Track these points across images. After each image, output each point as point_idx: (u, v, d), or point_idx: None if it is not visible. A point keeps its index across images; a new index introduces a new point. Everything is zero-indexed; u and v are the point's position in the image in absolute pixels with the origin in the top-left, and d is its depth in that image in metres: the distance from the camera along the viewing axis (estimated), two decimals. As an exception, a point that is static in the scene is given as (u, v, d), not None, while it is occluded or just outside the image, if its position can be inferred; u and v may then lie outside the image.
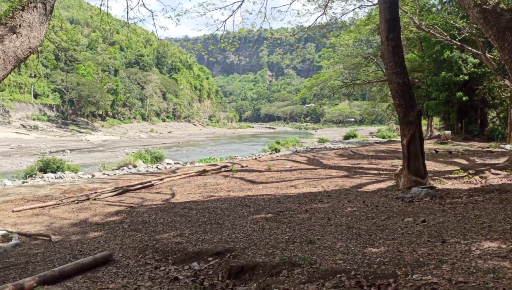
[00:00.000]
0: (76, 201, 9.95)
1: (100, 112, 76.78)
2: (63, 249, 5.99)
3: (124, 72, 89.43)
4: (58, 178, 16.96)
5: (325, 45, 46.27)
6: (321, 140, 42.37)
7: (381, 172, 13.13)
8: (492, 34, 10.61)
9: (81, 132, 64.16)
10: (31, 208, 9.22)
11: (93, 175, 17.34)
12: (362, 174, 12.81)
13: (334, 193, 9.28)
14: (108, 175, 17.23)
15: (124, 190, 11.21)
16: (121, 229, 7.06)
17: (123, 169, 19.59)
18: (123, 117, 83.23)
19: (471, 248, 4.43)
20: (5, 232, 7.11)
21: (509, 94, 23.43)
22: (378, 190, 9.52)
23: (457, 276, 3.58)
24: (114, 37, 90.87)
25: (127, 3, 11.52)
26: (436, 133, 36.66)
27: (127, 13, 11.73)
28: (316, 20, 20.64)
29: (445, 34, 22.69)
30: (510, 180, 9.49)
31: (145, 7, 10.83)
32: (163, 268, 4.98)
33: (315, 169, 14.60)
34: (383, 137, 46.04)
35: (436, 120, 40.06)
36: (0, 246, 6.32)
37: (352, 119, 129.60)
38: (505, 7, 10.87)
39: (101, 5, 10.85)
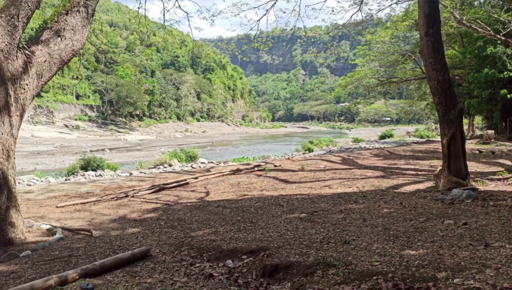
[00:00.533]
0: (115, 198, 10.30)
1: (138, 112, 79.15)
2: (103, 244, 6.21)
3: (160, 73, 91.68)
4: (98, 176, 17.63)
5: (360, 42, 45.37)
6: (356, 140, 41.61)
7: (419, 172, 12.71)
8: (541, 27, 10.03)
9: (119, 132, 66.40)
10: (73, 204, 9.65)
11: (130, 173, 17.89)
12: (399, 174, 12.47)
13: (370, 194, 9.08)
14: (144, 173, 17.73)
15: (161, 188, 11.49)
16: (157, 226, 7.24)
17: (159, 168, 20.08)
18: (159, 117, 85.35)
19: (518, 253, 4.21)
20: (50, 226, 7.47)
21: (559, 91, 22.02)
22: (416, 191, 9.23)
23: (502, 281, 3.41)
24: (151, 39, 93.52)
25: (163, 5, 11.79)
26: (478, 132, 35.07)
27: (164, 15, 11.99)
28: (351, 17, 20.29)
29: (488, 28, 21.63)
30: (561, 182, 8.93)
31: (180, 8, 11.07)
32: (198, 264, 5.06)
33: (350, 169, 14.35)
34: (421, 137, 44.57)
35: (478, 119, 38.34)
36: (46, 240, 6.65)
37: (388, 118, 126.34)
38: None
39: (138, 8, 11.18)
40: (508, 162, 14.26)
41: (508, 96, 25.62)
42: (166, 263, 5.15)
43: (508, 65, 25.08)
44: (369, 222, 6.34)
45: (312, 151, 29.06)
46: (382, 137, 46.75)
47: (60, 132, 59.07)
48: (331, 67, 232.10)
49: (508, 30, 19.26)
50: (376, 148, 26.36)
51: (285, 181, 12.05)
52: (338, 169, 14.46)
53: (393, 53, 32.17)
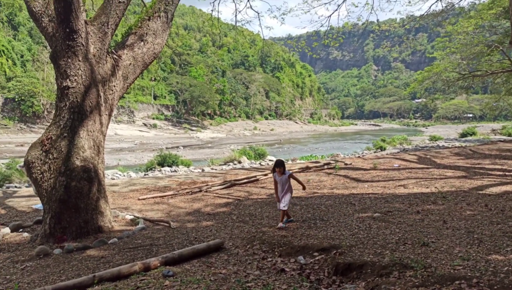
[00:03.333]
0: (190, 193, 10.83)
1: (209, 111, 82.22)
2: (180, 235, 6.58)
3: (231, 72, 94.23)
4: (173, 171, 18.63)
5: (440, 34, 42.46)
6: (433, 138, 39.07)
7: (507, 173, 11.62)
8: None
9: (192, 130, 69.55)
10: (153, 197, 10.32)
11: (203, 170, 18.65)
12: (483, 175, 11.51)
13: (450, 195, 8.51)
14: (216, 169, 18.37)
15: (232, 184, 11.84)
16: (230, 220, 7.48)
17: (229, 165, 20.67)
18: (229, 116, 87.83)
19: None
20: (133, 217, 8.08)
21: None
22: (504, 193, 8.45)
23: None
24: (223, 40, 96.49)
25: (235, 6, 12.13)
26: None
27: (235, 16, 12.35)
28: (430, 7, 19.10)
29: None
30: None
31: (252, 9, 11.30)
32: (270, 259, 5.15)
33: (427, 168, 13.56)
34: (509, 135, 40.52)
35: None
36: (130, 229, 7.21)
37: (470, 115, 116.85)
38: None
39: (212, 10, 11.64)
40: None
41: None
42: (239, 256, 5.31)
43: None
44: (450, 224, 5.95)
45: (385, 149, 27.88)
46: (463, 135, 43.31)
47: (139, 130, 63.47)
48: (406, 62, 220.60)
49: None
50: (456, 147, 24.55)
51: (356, 180, 11.73)
52: (413, 168, 13.73)
53: (477, 44, 29.63)
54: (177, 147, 41.79)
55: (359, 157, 20.98)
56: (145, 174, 17.66)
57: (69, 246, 6.04)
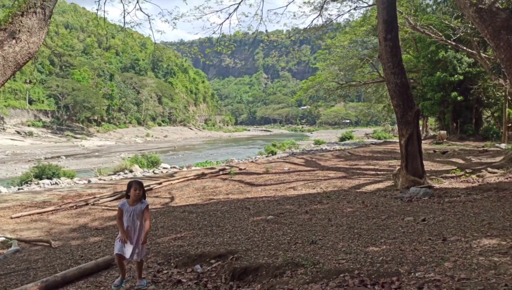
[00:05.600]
0: (74, 207, 9.91)
1: (96, 117, 76.56)
2: (64, 255, 5.96)
3: (120, 76, 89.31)
4: (54, 184, 16.87)
5: (321, 46, 46.47)
6: (317, 142, 42.42)
7: (378, 172, 13.18)
8: (488, 33, 10.72)
9: (76, 138, 63.90)
10: (29, 214, 9.18)
11: (89, 181, 17.27)
12: (360, 175, 12.86)
13: (333, 194, 9.31)
14: (104, 180, 17.17)
15: (122, 195, 11.17)
16: (121, 234, 7.04)
17: (119, 174, 19.52)
18: (118, 122, 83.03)
19: (472, 245, 4.47)
20: (4, 238, 7.07)
21: (503, 93, 23.63)
22: (377, 190, 9.56)
23: (460, 273, 3.61)
24: (110, 41, 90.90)
25: (123, 7, 11.56)
26: (431, 133, 36.86)
27: (124, 17, 11.74)
28: (312, 22, 20.82)
29: (440, 34, 22.87)
30: (507, 178, 9.56)
31: (141, 11, 10.87)
32: (165, 271, 4.97)
33: (313, 170, 14.63)
34: (379, 138, 46.16)
35: (431, 120, 40.30)
36: (0, 253, 6.28)
37: (348, 121, 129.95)
38: (500, 7, 11.00)
39: (97, 9, 10.88)
40: (460, 161, 15.10)
41: (458, 98, 27.16)
42: (132, 271, 5.01)
43: (458, 68, 26.60)
44: (334, 221, 6.50)
45: (276, 153, 29.33)
46: (342, 139, 47.99)
47: (11, 139, 55.97)
48: (293, 71, 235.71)
49: (458, 35, 20.45)
50: (337, 150, 27.03)
51: (251, 184, 12.09)
52: (301, 171, 14.70)
53: (352, 57, 33.24)
54: (59, 157, 37.95)
55: (252, 162, 21.69)
56: (19, 189, 15.65)
57: None
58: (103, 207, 9.79)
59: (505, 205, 6.54)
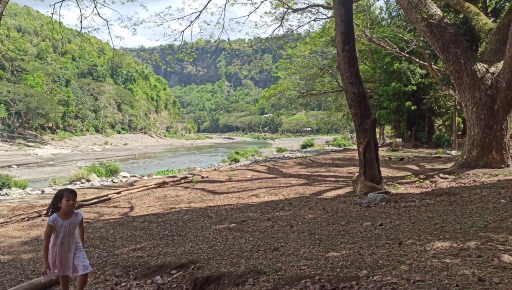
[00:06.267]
0: (26, 219, 9.39)
1: (50, 125, 73.26)
2: (13, 270, 5.62)
3: (76, 82, 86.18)
4: (3, 195, 15.93)
5: (282, 56, 47.24)
6: (280, 150, 42.88)
7: (338, 179, 13.50)
8: (438, 46, 11.37)
9: (29, 146, 60.76)
10: (-25, 228, 8.59)
11: (43, 191, 16.47)
12: (321, 181, 13.11)
13: (295, 201, 9.42)
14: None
15: (79, 205, 10.72)
16: (77, 246, 6.74)
17: (75, 184, 18.78)
18: (75, 130, 79.92)
19: (426, 248, 4.66)
20: None
21: (453, 103, 25.02)
22: (337, 196, 9.78)
23: (415, 275, 3.75)
24: (66, 46, 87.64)
25: (80, 12, 11.19)
26: (388, 140, 38.31)
27: (81, 22, 11.35)
28: (273, 31, 21.14)
29: (395, 46, 23.94)
30: (458, 183, 10.09)
31: (99, 16, 10.59)
32: (124, 284, 4.81)
33: (275, 178, 14.75)
34: (339, 146, 47.37)
35: (388, 128, 41.91)
36: None
37: (309, 129, 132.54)
38: (449, 22, 11.71)
39: (52, 13, 10.48)
40: (414, 167, 15.77)
41: (412, 107, 28.46)
42: (88, 285, 4.81)
43: (412, 79, 27.91)
44: (296, 228, 6.57)
45: (239, 161, 29.34)
46: (304, 146, 48.81)
47: (-44, 147, 52.35)
48: (255, 79, 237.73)
49: (411, 48, 21.50)
50: (299, 157, 27.45)
51: (213, 192, 11.99)
52: (264, 178, 14.77)
53: (312, 67, 34.04)
54: (9, 166, 35.90)
55: (215, 169, 21.55)
56: (-36, 201, 14.61)
57: None
58: (57, 219, 9.33)
59: (456, 209, 6.89)
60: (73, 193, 3.92)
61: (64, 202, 3.83)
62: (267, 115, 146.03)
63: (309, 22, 23.24)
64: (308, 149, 45.03)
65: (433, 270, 3.86)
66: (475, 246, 4.45)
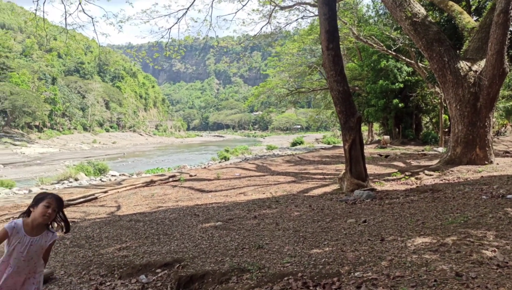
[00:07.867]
0: (11, 219, 9.29)
1: (37, 123, 72.28)
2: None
3: (63, 80, 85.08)
4: (-11, 195, 15.70)
5: (271, 54, 47.27)
6: (270, 147, 43.01)
7: (326, 176, 13.61)
8: (422, 44, 11.52)
9: (15, 145, 59.86)
10: (-42, 229, 8.47)
11: (30, 191, 16.29)
12: (308, 179, 13.20)
13: (282, 199, 9.48)
14: (47, 189, 16.25)
15: (65, 205, 10.64)
16: (62, 246, 6.70)
17: (63, 183, 18.61)
18: (62, 128, 78.96)
19: (407, 244, 4.75)
20: None
21: (439, 100, 25.36)
22: (324, 194, 9.87)
23: (395, 271, 3.82)
24: (51, 43, 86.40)
25: (65, 8, 11.07)
26: (376, 138, 38.65)
27: (65, 18, 11.25)
28: (261, 29, 21.16)
29: (382, 44, 24.16)
30: (442, 180, 10.26)
31: (84, 13, 10.49)
32: (108, 283, 4.81)
33: (264, 175, 14.81)
34: (328, 143, 47.69)
35: (376, 126, 42.29)
36: None
37: (299, 126, 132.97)
38: (433, 20, 11.86)
39: (36, 10, 10.36)
40: (401, 164, 15.97)
41: (400, 105, 28.77)
42: (73, 285, 4.80)
43: (399, 77, 28.19)
44: (281, 225, 6.63)
45: (228, 159, 29.36)
46: (294, 144, 49.03)
47: None
48: (244, 77, 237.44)
49: (398, 46, 21.72)
50: (288, 155, 27.56)
51: (201, 191, 12.00)
52: (252, 176, 14.82)
53: (300, 64, 34.15)
54: (-5, 165, 35.35)
55: (204, 168, 21.54)
56: None
57: None
58: (43, 219, 9.26)
59: (438, 206, 7.02)
60: (57, 201, 2.83)
61: (40, 207, 2.74)
62: (257, 113, 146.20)
63: (296, 19, 23.33)
64: (298, 146, 45.25)
65: (412, 265, 3.94)
66: (454, 241, 4.55)
